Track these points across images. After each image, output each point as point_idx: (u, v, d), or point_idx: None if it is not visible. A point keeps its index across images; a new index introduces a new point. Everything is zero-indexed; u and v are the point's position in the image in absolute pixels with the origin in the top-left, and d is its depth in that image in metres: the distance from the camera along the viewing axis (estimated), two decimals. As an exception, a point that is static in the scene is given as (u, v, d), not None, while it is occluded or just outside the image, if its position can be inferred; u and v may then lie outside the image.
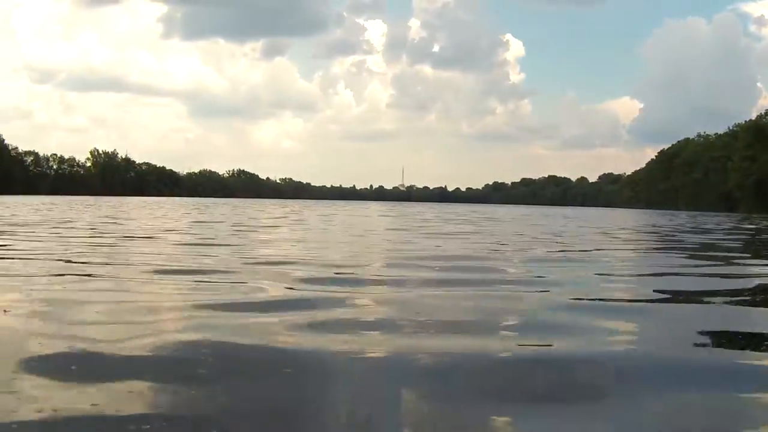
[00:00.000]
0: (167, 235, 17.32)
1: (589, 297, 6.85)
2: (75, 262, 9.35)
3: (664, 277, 9.53)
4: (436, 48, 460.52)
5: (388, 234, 21.07)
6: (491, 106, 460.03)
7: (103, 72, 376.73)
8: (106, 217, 29.39)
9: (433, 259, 11.22)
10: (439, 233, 20.95)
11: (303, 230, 22.25)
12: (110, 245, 13.31)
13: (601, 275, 9.09)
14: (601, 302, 6.68)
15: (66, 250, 11.41)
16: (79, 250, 11.56)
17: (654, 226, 32.36)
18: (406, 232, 21.89)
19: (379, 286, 7.58)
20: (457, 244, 16.49)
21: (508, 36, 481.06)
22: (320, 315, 5.35)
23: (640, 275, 9.81)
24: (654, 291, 7.46)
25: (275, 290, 6.77)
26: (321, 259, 10.78)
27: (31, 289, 6.47)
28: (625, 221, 41.95)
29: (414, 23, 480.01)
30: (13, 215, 28.03)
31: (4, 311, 5.06)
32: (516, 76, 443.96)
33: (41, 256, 10.07)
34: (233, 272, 8.36)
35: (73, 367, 3.61)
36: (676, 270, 10.35)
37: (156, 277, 7.97)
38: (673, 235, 22.88)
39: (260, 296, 6.41)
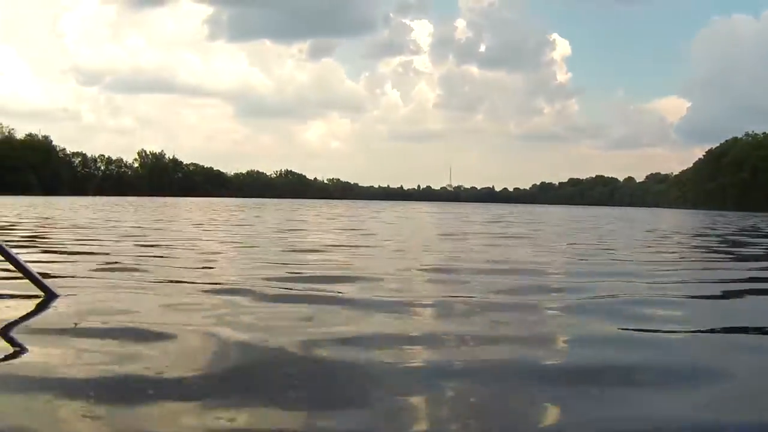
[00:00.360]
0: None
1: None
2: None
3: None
4: (482, 48, 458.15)
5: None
6: (538, 106, 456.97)
7: (150, 73, 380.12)
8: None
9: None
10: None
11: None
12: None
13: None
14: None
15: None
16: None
17: (712, 228, 31.21)
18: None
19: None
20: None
21: (555, 35, 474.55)
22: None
23: None
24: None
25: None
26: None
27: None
28: (682, 223, 40.88)
29: (460, 23, 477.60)
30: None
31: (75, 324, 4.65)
32: (563, 76, 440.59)
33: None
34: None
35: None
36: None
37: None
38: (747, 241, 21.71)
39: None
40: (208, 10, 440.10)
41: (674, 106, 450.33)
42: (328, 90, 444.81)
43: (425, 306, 6.13)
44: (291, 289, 6.81)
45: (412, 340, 4.45)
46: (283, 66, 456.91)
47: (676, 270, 10.30)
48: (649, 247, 16.45)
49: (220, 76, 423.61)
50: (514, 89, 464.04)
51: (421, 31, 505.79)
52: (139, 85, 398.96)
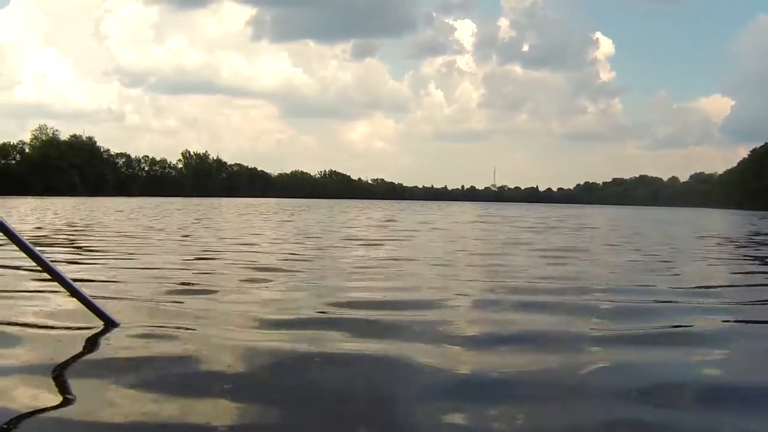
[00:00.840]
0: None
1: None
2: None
3: None
4: (525, 47, 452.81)
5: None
6: (582, 105, 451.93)
7: (193, 74, 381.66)
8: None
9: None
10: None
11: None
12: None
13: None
14: None
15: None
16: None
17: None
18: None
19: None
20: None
21: (598, 34, 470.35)
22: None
23: None
24: None
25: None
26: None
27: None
28: (733, 226, 40.15)
29: (503, 22, 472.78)
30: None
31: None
32: (606, 75, 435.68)
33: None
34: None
35: None
36: None
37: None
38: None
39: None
40: (252, 11, 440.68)
41: (718, 105, 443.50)
42: (372, 90, 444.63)
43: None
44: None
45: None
46: (327, 66, 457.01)
47: None
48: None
49: (264, 76, 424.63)
50: (557, 89, 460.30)
51: (464, 30, 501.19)
52: (183, 86, 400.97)
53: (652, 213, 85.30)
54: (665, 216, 68.41)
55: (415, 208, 77.36)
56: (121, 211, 44.58)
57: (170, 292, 7.81)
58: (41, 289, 7.30)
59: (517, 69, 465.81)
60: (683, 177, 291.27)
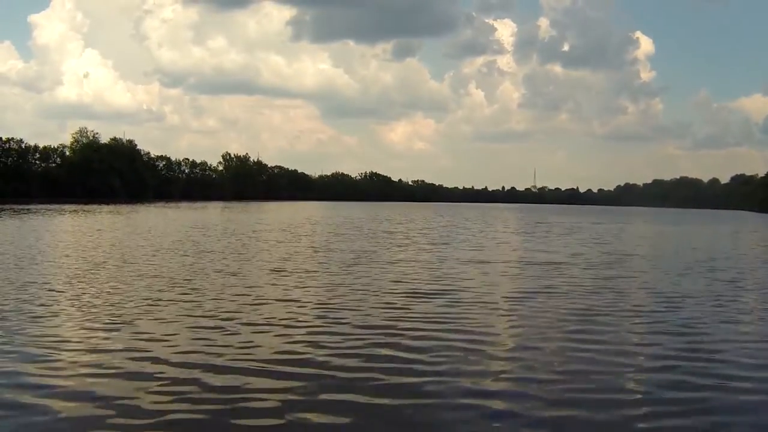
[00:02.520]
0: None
1: None
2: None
3: None
4: (565, 47, 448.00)
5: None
6: (622, 105, 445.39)
7: (233, 75, 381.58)
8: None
9: None
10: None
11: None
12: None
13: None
14: None
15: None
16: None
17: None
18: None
19: None
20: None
21: (638, 33, 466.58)
22: None
23: None
24: None
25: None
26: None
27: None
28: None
29: (543, 22, 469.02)
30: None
31: None
32: (646, 74, 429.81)
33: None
34: None
35: None
36: None
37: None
38: None
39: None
40: (291, 11, 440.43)
41: (759, 105, 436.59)
42: (412, 90, 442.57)
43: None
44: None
45: None
46: (367, 66, 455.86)
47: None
48: None
49: (304, 76, 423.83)
50: (597, 88, 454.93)
51: (504, 30, 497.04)
52: (223, 87, 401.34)
53: (702, 215, 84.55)
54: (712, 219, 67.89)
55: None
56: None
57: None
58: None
59: (557, 69, 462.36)
60: (724, 178, 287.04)
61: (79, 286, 16.51)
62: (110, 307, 13.67)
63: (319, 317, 13.05)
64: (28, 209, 77.46)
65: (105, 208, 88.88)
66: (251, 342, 11.09)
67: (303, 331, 11.88)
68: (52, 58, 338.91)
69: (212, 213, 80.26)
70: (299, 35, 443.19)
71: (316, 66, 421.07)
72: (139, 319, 12.62)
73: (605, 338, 11.40)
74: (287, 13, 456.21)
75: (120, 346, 10.75)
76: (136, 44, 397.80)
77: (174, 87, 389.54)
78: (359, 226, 47.92)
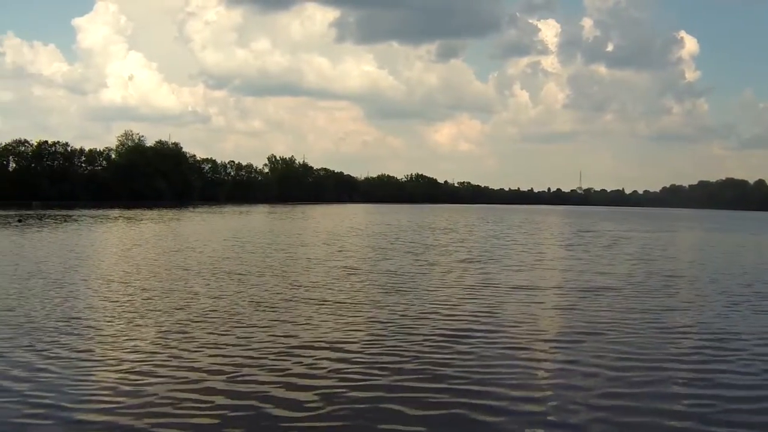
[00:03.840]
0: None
1: None
2: None
3: None
4: (609, 47, 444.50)
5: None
6: (667, 106, 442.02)
7: (277, 76, 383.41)
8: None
9: None
10: None
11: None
12: None
13: None
14: None
15: None
16: None
17: None
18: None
19: None
20: None
21: (682, 33, 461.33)
22: None
23: None
24: None
25: None
26: None
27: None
28: None
29: (587, 22, 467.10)
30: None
31: None
32: (691, 74, 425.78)
33: None
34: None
35: None
36: None
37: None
38: None
39: None
40: (335, 12, 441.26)
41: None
42: (457, 91, 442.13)
43: None
44: None
45: None
46: (412, 67, 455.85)
47: None
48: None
49: (349, 78, 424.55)
50: (642, 89, 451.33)
51: (548, 30, 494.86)
52: (267, 88, 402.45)
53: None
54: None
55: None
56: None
57: None
58: None
59: (601, 69, 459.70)
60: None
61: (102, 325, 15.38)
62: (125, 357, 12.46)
63: (345, 360, 11.75)
64: (69, 215, 77.49)
65: (148, 213, 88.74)
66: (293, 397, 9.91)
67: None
68: (96, 60, 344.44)
69: (256, 220, 79.82)
70: (343, 37, 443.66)
71: (360, 67, 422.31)
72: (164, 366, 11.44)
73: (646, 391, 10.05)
74: (330, 14, 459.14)
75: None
76: (180, 46, 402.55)
77: (219, 89, 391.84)
78: (401, 238, 46.81)
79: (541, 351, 12.60)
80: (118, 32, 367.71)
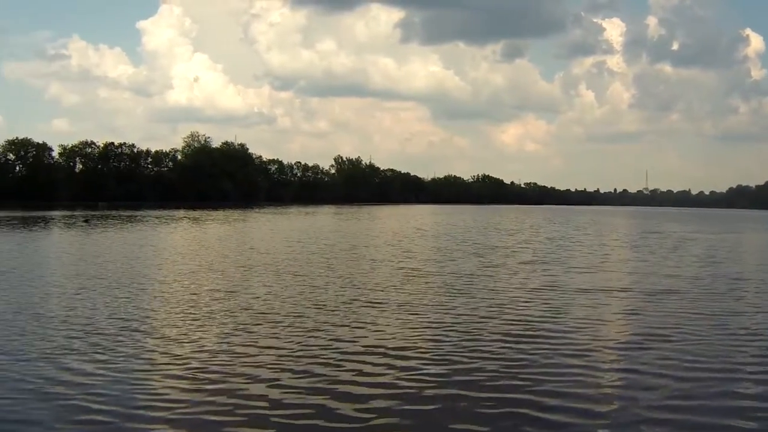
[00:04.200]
0: None
1: None
2: None
3: None
4: (675, 46, 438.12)
5: None
6: (733, 105, 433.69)
7: (343, 77, 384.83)
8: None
9: None
10: None
11: None
12: None
13: None
14: None
15: None
16: None
17: None
18: None
19: None
20: None
21: (748, 30, 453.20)
22: None
23: None
24: None
25: None
26: None
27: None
28: None
29: (651, 21, 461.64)
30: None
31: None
32: (757, 72, 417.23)
33: None
34: None
35: None
36: None
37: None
38: None
39: None
40: (400, 13, 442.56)
41: None
42: (523, 91, 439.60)
43: None
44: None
45: None
46: (477, 68, 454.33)
47: None
48: None
49: (414, 78, 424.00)
50: (708, 88, 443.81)
51: (613, 30, 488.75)
52: (333, 89, 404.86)
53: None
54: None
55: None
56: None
57: None
58: None
59: (667, 68, 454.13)
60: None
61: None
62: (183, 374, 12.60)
63: (404, 368, 11.72)
64: (134, 216, 78.58)
65: (213, 214, 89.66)
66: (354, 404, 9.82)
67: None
68: (161, 62, 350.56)
69: (321, 220, 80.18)
70: (408, 37, 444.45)
71: (426, 68, 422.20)
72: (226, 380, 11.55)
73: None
74: (395, 15, 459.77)
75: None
76: (245, 48, 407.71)
77: (284, 90, 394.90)
78: (467, 239, 46.70)
79: (605, 356, 12.39)
80: (183, 34, 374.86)
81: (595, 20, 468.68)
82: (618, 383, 10.74)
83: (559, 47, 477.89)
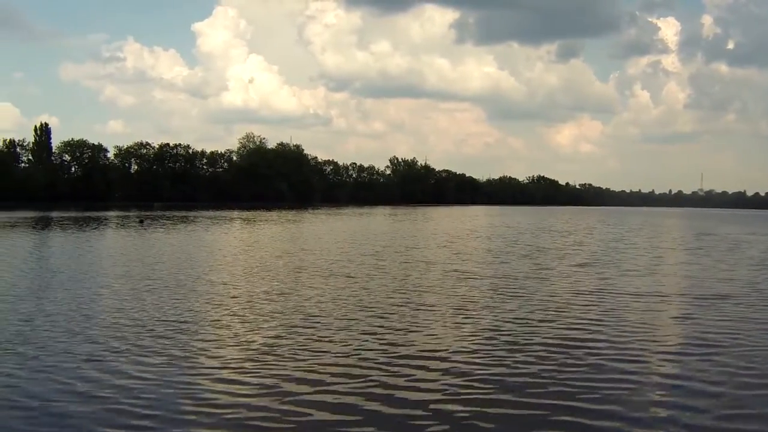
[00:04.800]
0: None
1: None
2: None
3: None
4: (730, 45, 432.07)
5: None
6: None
7: (398, 78, 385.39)
8: None
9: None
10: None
11: None
12: None
13: None
14: None
15: None
16: None
17: None
18: None
19: None
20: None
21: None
22: None
23: None
24: None
25: None
26: None
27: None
28: None
29: (706, 20, 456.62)
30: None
31: None
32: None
33: None
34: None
35: None
36: None
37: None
38: None
39: None
40: (454, 14, 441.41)
41: None
42: (578, 92, 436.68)
43: None
44: None
45: None
46: (532, 68, 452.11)
47: None
48: None
49: (469, 79, 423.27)
50: (764, 87, 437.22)
51: (668, 29, 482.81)
52: (388, 90, 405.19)
53: None
54: None
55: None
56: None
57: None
58: None
59: (722, 68, 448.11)
60: None
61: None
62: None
63: (454, 373, 11.67)
64: (188, 216, 79.32)
65: (266, 214, 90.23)
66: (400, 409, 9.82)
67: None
68: (216, 64, 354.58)
69: (376, 221, 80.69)
70: (463, 38, 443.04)
71: (481, 68, 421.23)
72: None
73: None
74: (450, 16, 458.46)
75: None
76: (300, 49, 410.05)
77: (339, 91, 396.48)
78: (520, 240, 46.50)
79: (658, 363, 12.22)
80: (238, 36, 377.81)
81: (650, 19, 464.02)
82: (670, 390, 10.57)
83: (614, 47, 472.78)
